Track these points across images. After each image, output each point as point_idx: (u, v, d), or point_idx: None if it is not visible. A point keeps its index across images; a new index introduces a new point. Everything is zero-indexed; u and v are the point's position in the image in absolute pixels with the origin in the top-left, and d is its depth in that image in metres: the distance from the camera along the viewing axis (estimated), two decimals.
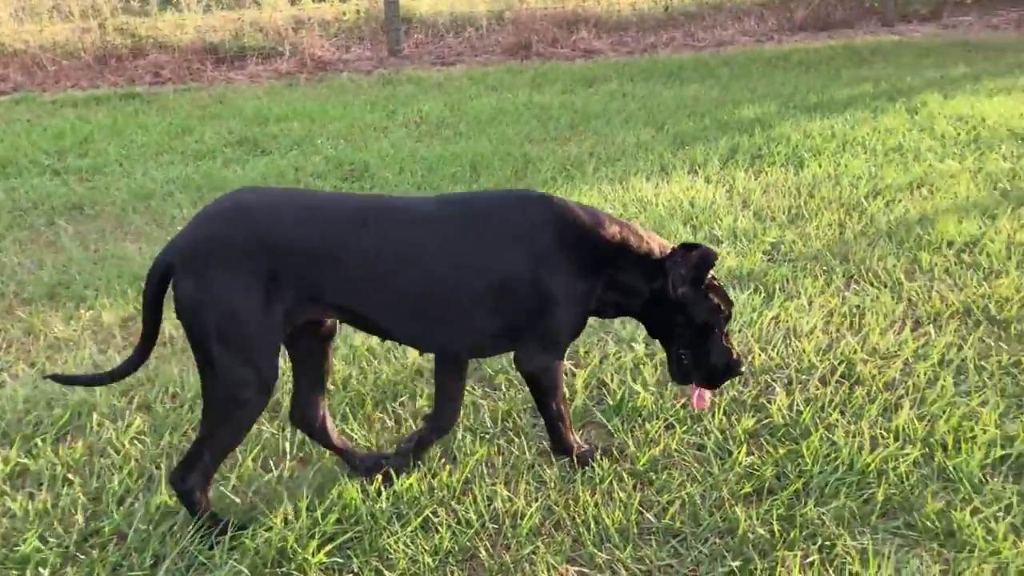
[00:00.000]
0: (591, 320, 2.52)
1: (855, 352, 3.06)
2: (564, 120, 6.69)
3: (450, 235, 2.27)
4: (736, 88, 7.60)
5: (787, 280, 3.68)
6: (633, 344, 3.16)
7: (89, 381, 2.80)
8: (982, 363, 2.97)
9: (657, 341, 2.60)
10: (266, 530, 2.21)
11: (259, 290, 2.09)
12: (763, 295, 3.54)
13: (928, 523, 2.21)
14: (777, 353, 3.09)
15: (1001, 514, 2.23)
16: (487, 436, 2.68)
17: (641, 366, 3.00)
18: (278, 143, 6.13)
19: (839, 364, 3.00)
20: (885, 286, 3.59)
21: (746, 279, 3.73)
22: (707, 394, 2.48)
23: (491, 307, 2.30)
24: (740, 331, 3.26)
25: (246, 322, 2.09)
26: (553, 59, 9.81)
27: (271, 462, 2.54)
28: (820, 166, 5.21)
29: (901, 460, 2.44)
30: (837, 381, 2.90)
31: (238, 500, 2.37)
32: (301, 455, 2.59)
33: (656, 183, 5.03)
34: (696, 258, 2.31)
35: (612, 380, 2.92)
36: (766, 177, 5.08)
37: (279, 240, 2.12)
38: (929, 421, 2.64)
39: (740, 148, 5.63)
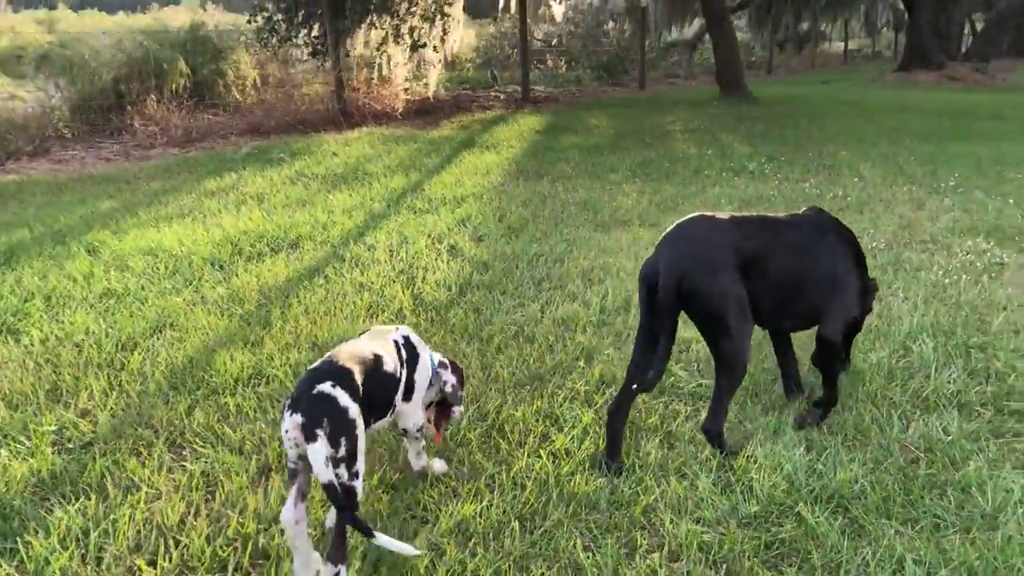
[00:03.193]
0: None
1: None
2: None
3: (809, 245, 3.27)
4: None
5: (108, 472, 3.10)
6: None
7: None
8: None
9: None
10: None
11: (741, 281, 3.07)
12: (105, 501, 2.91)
13: None
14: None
15: None
16: None
17: None
18: None
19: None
20: (224, 445, 3.32)
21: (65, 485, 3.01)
22: None
23: (821, 293, 3.29)
24: None
25: (744, 302, 3.08)
26: None
27: None
28: (41, 330, 4.54)
29: None
30: None
31: None
32: None
33: None
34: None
35: None
36: None
37: (744, 246, 3.09)
38: None
39: None
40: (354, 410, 2.41)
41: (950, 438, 3.28)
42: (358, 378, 2.50)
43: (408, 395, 2.84)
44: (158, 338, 4.46)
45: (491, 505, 2.88)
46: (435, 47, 14.33)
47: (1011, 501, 2.88)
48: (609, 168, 9.31)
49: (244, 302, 5.01)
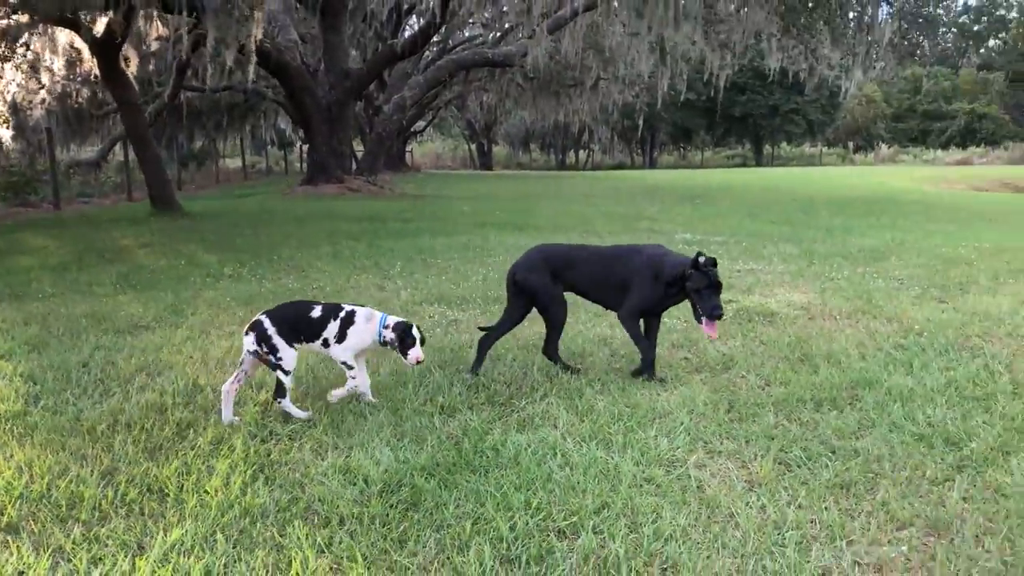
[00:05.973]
0: None
1: None
2: None
3: (611, 259, 5.86)
4: None
5: None
6: None
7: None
8: None
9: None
10: None
11: (552, 278, 5.80)
12: None
13: None
14: None
15: None
16: None
17: None
18: None
19: None
20: None
21: None
22: (715, 329, 5.56)
23: (620, 290, 5.77)
24: None
25: (554, 290, 5.81)
26: None
27: None
28: None
29: None
30: None
31: None
32: None
33: None
34: (695, 257, 5.39)
35: None
36: None
37: (556, 259, 5.86)
38: None
39: None
40: (272, 329, 4.92)
41: (475, 424, 4.89)
42: (285, 315, 5.04)
43: (339, 341, 5.13)
44: None
45: (191, 527, 3.62)
46: None
47: (521, 449, 4.55)
48: (91, 283, 9.59)
49: None
